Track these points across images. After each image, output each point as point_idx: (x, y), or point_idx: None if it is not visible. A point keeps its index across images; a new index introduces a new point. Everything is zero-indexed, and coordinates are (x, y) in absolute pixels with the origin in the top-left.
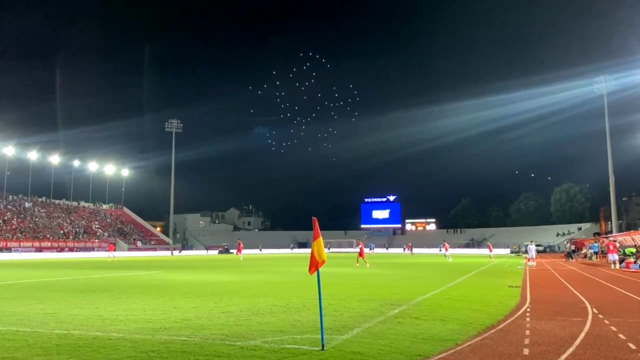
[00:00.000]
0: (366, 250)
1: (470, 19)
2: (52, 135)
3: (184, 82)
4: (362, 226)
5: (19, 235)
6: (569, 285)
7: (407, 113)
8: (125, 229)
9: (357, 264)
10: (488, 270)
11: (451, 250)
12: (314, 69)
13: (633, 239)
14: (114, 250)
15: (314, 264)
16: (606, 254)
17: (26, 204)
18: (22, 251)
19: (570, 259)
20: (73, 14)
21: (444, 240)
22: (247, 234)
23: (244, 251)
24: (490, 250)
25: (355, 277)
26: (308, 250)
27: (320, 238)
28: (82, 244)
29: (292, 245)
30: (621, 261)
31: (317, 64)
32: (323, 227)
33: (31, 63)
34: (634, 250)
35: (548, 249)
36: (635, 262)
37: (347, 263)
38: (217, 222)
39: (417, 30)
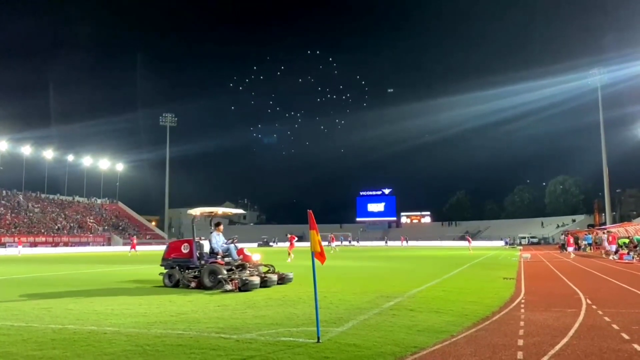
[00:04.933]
0: (337, 243)
1: (465, 13)
2: (45, 130)
3: (179, 77)
4: (358, 219)
5: (13, 230)
6: (563, 277)
7: (401, 107)
8: (120, 224)
9: (289, 258)
10: (482, 263)
11: (446, 243)
12: (309, 65)
13: (626, 231)
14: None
15: (323, 254)
16: (600, 245)
17: (20, 199)
18: (16, 246)
19: (565, 251)
20: (67, 10)
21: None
22: (243, 228)
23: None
24: (470, 243)
25: (350, 271)
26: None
27: (314, 231)
28: (76, 239)
29: (265, 239)
30: (615, 252)
31: (312, 60)
32: (319, 221)
33: (24, 59)
34: (626, 241)
35: (542, 241)
36: (628, 254)
37: (343, 256)
38: None
39: (412, 25)
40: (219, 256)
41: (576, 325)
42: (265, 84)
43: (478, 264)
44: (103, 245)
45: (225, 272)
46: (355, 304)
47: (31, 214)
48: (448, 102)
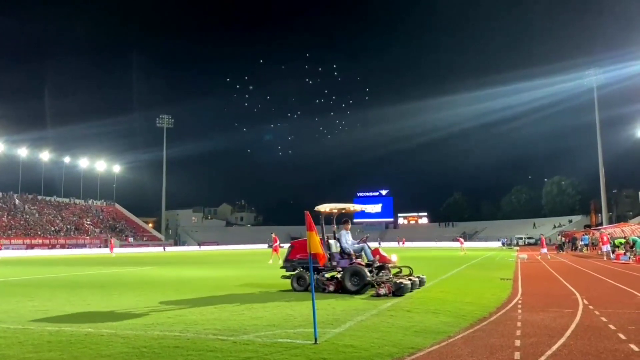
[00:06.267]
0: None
1: (462, 13)
2: (42, 132)
3: (175, 78)
4: (355, 220)
5: (9, 232)
6: (560, 277)
7: (398, 107)
8: (117, 226)
9: (270, 261)
10: (480, 263)
11: (443, 244)
12: (306, 66)
13: (623, 231)
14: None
15: (321, 256)
16: (597, 245)
17: (16, 201)
18: (12, 248)
19: (562, 251)
20: (63, 12)
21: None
22: (240, 229)
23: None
24: (462, 244)
25: None
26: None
27: (312, 232)
28: (73, 241)
29: None
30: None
31: (309, 61)
32: (316, 222)
33: (21, 60)
34: (623, 241)
35: (539, 242)
36: (625, 254)
37: None
38: (209, 217)
39: (410, 26)
40: (353, 257)
41: (573, 325)
42: (262, 85)
43: (475, 265)
44: (100, 247)
45: (369, 274)
46: (353, 305)
47: (28, 216)
48: (444, 103)
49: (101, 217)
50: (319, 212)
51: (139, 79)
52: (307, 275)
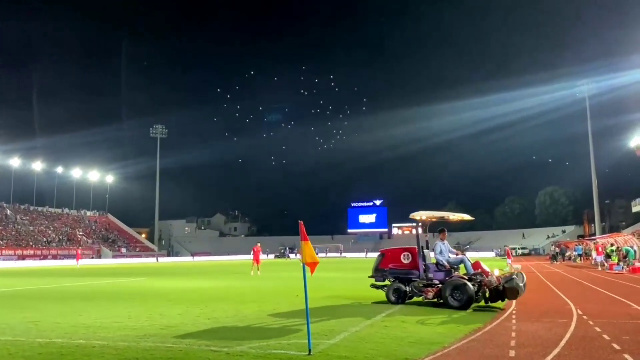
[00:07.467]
0: (322, 255)
1: (456, 22)
2: (34, 141)
3: (169, 88)
4: (349, 231)
5: (1, 242)
6: (553, 288)
7: (392, 116)
8: (109, 236)
9: (259, 272)
10: None
11: None
12: (300, 76)
13: (616, 241)
14: None
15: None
16: (589, 255)
17: (8, 211)
18: (3, 259)
19: (555, 262)
20: (56, 19)
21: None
22: (234, 239)
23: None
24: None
25: (341, 282)
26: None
27: (306, 242)
28: (65, 252)
29: (282, 250)
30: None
31: (303, 70)
32: (310, 232)
33: (13, 68)
34: (614, 248)
35: (533, 252)
36: (618, 264)
37: (334, 268)
38: (202, 228)
39: (403, 34)
40: (454, 270)
41: (567, 335)
42: (256, 95)
43: None
44: (92, 257)
45: (472, 287)
46: (347, 316)
47: (19, 227)
48: (436, 112)
49: (94, 227)
50: (414, 220)
51: (132, 88)
52: (404, 286)
